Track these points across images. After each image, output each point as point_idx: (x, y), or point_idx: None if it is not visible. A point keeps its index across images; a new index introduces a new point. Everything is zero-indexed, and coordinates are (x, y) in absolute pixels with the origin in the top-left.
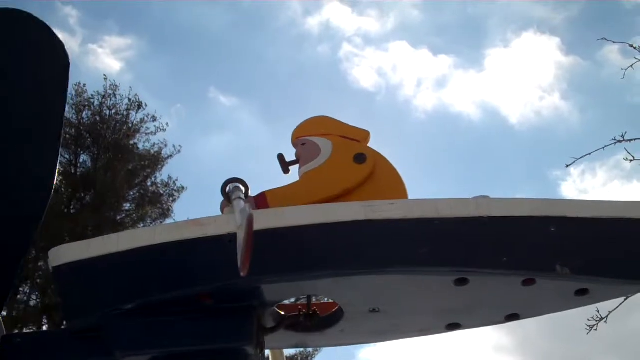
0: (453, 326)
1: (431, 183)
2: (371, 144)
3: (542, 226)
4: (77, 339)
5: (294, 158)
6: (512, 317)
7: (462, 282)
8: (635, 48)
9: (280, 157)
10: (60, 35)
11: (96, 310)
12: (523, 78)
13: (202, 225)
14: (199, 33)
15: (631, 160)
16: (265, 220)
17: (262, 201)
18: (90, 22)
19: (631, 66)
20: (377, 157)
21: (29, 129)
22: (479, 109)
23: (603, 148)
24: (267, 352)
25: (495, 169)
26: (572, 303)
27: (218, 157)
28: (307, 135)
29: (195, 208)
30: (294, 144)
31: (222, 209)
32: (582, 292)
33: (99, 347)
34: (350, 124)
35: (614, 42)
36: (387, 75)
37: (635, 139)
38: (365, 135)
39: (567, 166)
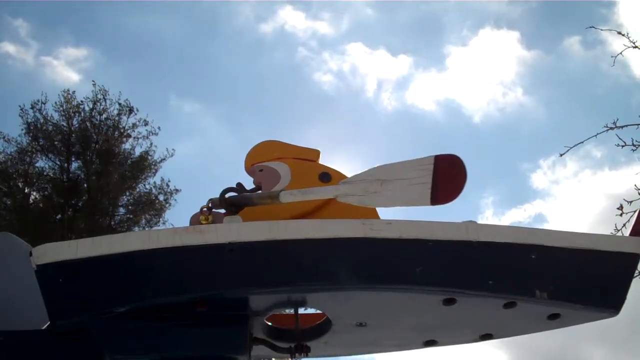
0: (430, 342)
1: None
2: (336, 148)
3: (523, 253)
4: (58, 340)
5: (253, 186)
6: (486, 336)
7: (450, 301)
8: (624, 35)
9: (240, 186)
10: (13, 48)
11: (84, 312)
12: (485, 74)
13: (202, 233)
14: (154, 42)
15: (622, 146)
16: (265, 232)
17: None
18: (43, 34)
19: (621, 53)
20: (340, 175)
21: None
22: (442, 108)
23: (595, 135)
24: None
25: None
26: (543, 326)
27: (187, 163)
28: (261, 161)
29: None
30: (250, 172)
31: (192, 222)
32: (554, 317)
33: (82, 349)
34: (314, 129)
35: (602, 30)
36: (346, 78)
37: (626, 125)
38: (317, 154)
39: (561, 155)
